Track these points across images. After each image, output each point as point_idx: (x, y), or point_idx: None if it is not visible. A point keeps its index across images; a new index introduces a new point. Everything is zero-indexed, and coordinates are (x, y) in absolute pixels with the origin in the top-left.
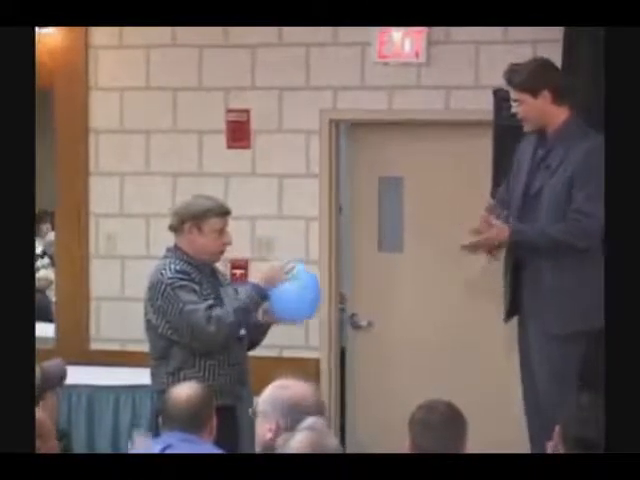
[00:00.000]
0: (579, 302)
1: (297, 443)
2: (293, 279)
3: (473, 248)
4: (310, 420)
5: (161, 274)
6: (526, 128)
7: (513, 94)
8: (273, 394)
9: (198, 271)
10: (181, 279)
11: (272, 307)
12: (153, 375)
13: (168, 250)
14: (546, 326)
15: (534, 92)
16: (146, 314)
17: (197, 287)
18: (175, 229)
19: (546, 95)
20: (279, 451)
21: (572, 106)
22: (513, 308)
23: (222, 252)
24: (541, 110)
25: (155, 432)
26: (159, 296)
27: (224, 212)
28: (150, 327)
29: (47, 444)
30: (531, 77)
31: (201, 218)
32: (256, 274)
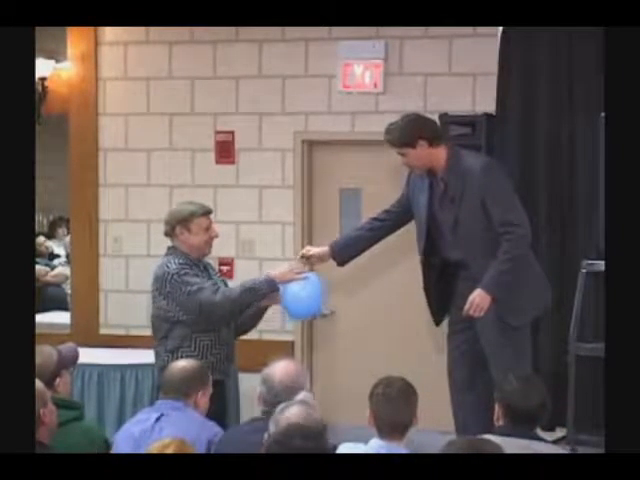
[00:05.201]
0: (528, 295)
1: (291, 413)
2: (303, 281)
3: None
4: (302, 394)
5: (167, 267)
6: (416, 173)
7: (395, 150)
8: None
9: (195, 266)
10: (184, 268)
11: (283, 296)
12: (156, 354)
13: (169, 248)
14: (502, 318)
15: (411, 144)
16: (154, 302)
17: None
18: (169, 234)
19: (422, 143)
20: (274, 416)
21: (448, 143)
22: (441, 314)
23: (211, 245)
24: (423, 156)
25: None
26: (167, 284)
27: (206, 212)
28: (159, 313)
29: (47, 407)
30: (404, 133)
31: (188, 220)
32: (273, 269)
